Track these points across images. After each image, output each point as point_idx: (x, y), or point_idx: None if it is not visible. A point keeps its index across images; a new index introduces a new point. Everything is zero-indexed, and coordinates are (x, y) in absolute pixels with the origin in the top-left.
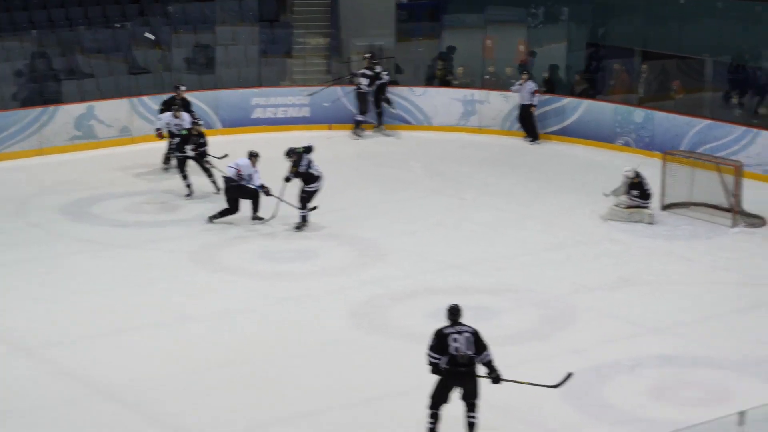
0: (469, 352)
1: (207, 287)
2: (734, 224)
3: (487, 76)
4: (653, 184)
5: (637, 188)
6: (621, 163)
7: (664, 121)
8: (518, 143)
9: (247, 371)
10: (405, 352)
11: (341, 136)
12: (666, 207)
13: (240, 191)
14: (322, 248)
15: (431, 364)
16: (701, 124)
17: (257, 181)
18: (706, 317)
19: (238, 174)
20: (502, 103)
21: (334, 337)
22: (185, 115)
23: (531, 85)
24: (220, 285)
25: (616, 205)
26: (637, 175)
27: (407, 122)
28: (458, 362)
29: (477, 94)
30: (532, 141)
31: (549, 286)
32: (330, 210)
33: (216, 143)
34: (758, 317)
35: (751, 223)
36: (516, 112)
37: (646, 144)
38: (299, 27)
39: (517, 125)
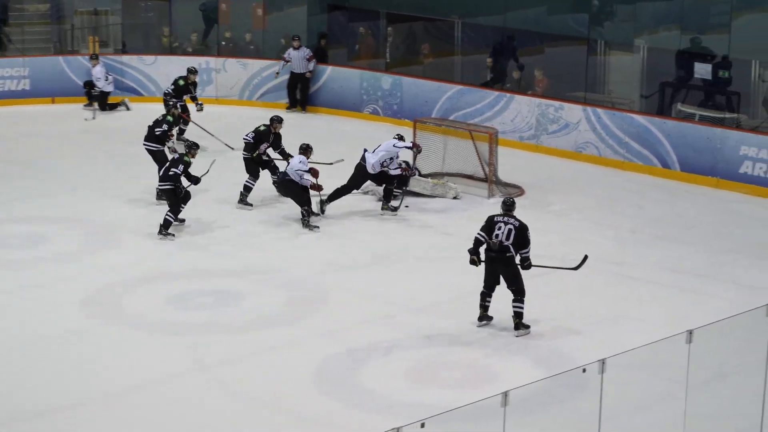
0: (506, 242)
1: None
2: (491, 194)
3: (224, 43)
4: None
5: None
6: (371, 132)
7: (413, 87)
8: (258, 113)
9: None
10: (143, 343)
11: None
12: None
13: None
14: (51, 233)
15: (475, 239)
16: (452, 89)
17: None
18: (464, 294)
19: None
20: (240, 72)
21: (67, 329)
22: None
23: (305, 51)
24: None
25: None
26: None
27: (139, 94)
28: (490, 247)
29: (213, 62)
30: (302, 112)
31: (297, 266)
32: (59, 191)
33: None
34: None
35: (508, 192)
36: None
37: (395, 112)
38: None
39: (269, 94)
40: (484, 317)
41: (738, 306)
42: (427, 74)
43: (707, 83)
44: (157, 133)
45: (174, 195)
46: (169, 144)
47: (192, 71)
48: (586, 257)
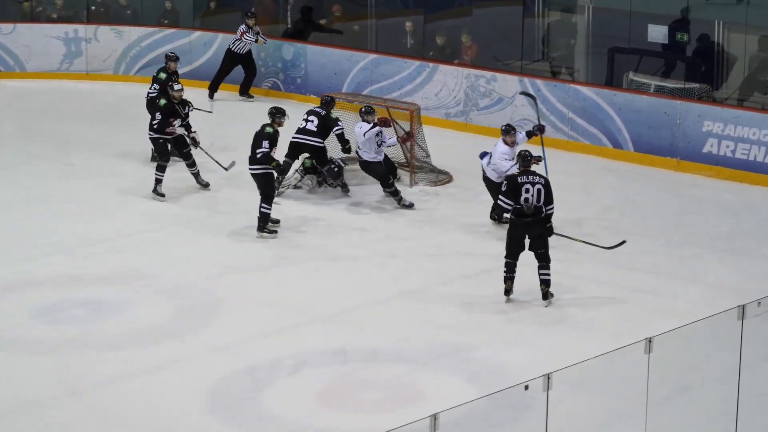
0: (539, 204)
1: None
2: (413, 182)
3: (94, 8)
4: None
5: None
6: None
7: (320, 56)
8: (137, 90)
9: None
10: (1, 364)
11: None
12: None
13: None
14: None
15: (502, 208)
16: (366, 59)
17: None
18: (381, 300)
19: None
20: (114, 42)
21: None
22: None
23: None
24: None
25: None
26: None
27: None
28: (524, 213)
29: (82, 30)
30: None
31: (184, 270)
32: None
33: None
34: (444, 296)
35: (433, 180)
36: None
37: (298, 86)
38: None
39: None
40: (512, 290)
41: (702, 308)
42: (335, 42)
43: (663, 48)
44: (155, 126)
45: (264, 179)
46: (189, 133)
47: (172, 58)
48: (624, 242)
